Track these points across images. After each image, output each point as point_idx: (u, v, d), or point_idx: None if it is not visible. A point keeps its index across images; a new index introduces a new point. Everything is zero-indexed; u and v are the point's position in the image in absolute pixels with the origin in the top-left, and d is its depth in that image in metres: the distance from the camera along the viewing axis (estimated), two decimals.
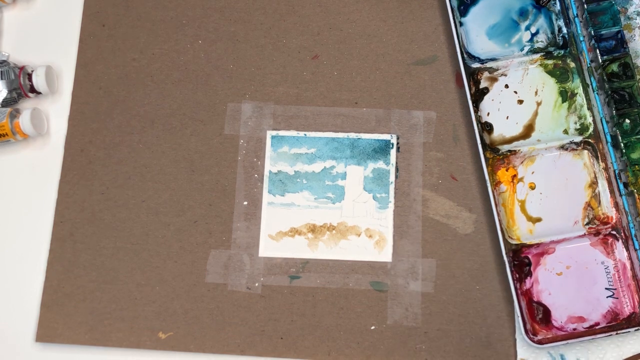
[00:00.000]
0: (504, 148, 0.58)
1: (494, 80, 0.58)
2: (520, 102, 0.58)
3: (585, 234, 0.56)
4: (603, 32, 0.56)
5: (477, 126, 0.57)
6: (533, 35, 0.59)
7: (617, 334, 0.54)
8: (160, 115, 0.60)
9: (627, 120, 0.56)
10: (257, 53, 0.60)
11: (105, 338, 0.57)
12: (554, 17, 0.58)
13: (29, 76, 0.59)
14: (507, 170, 0.57)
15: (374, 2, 0.59)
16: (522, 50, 0.59)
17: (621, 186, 0.55)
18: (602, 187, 0.56)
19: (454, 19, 0.57)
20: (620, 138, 0.56)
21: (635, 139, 0.56)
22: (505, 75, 0.58)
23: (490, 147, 0.58)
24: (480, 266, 0.57)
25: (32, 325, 0.57)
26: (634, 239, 0.55)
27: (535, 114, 0.58)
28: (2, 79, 0.58)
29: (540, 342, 0.55)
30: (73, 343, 0.56)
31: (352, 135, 0.59)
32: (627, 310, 0.55)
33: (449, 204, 0.58)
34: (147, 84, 0.60)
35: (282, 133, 0.59)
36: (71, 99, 0.60)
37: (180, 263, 0.58)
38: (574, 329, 0.55)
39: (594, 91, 0.57)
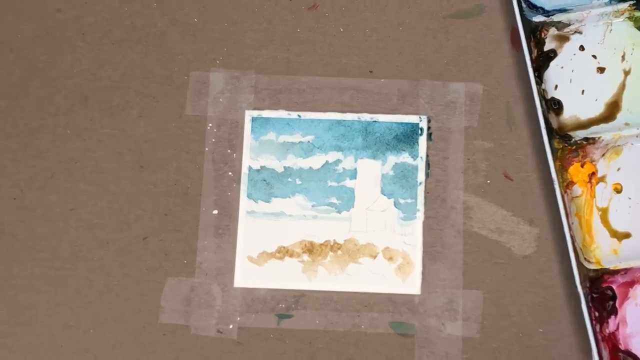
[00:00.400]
0: (579, 135, 0.55)
1: (564, 39, 0.56)
2: (601, 70, 0.55)
3: None
4: None
5: (541, 104, 0.54)
6: None
7: None
8: (95, 90, 0.57)
9: None
10: (233, 1, 0.58)
11: None
12: None
13: None
14: (582, 167, 0.55)
15: None
16: None
17: None
18: None
19: None
20: None
21: None
22: (580, 32, 0.56)
23: (559, 134, 0.54)
24: (544, 301, 0.54)
25: None
26: None
27: (622, 87, 0.55)
28: None
29: None
30: None
31: (365, 116, 0.56)
32: None
33: (502, 213, 0.55)
34: (77, 46, 0.57)
35: (266, 114, 0.56)
36: None
37: (124, 297, 0.54)
38: None
39: None
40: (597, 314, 0.52)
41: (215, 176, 0.55)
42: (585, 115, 0.55)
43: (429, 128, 0.56)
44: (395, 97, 0.56)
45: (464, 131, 0.56)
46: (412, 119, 0.56)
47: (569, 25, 0.55)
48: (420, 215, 0.54)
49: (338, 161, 0.55)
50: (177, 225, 0.54)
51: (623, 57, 0.55)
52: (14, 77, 0.56)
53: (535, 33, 0.55)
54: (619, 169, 0.54)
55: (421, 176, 0.55)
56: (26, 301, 0.53)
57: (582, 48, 0.55)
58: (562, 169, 0.54)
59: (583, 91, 0.55)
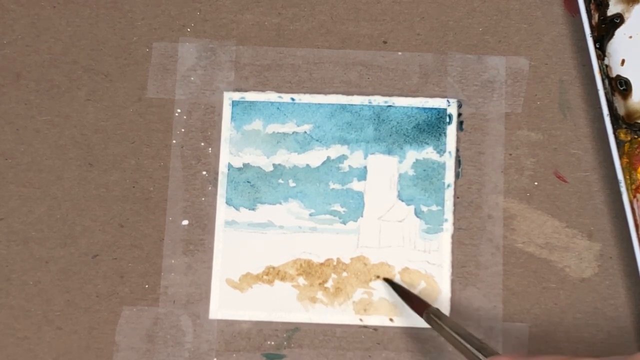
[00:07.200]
0: None
1: (633, 1, 0.55)
2: None
3: None
4: None
5: (604, 84, 0.52)
6: None
7: None
8: (31, 65, 0.55)
9: None
10: None
11: None
12: None
13: None
14: None
15: None
16: None
17: None
18: None
19: None
20: None
21: None
22: None
23: (627, 123, 0.53)
24: (607, 337, 0.52)
25: None
26: None
27: None
28: None
29: None
30: None
31: (378, 99, 0.55)
32: None
33: (553, 224, 0.54)
34: (8, 9, 0.56)
35: (251, 96, 0.55)
36: None
37: (69, 330, 0.52)
38: None
39: None
40: None
41: (185, 176, 0.54)
42: None
43: (459, 115, 0.54)
44: (416, 74, 0.55)
45: (504, 119, 0.55)
46: (438, 103, 0.55)
47: None
48: (448, 227, 0.53)
49: (343, 157, 0.54)
50: (136, 239, 0.54)
51: None
52: None
53: None
54: None
55: (450, 177, 0.54)
56: None
57: None
58: (630, 168, 0.53)
59: None
